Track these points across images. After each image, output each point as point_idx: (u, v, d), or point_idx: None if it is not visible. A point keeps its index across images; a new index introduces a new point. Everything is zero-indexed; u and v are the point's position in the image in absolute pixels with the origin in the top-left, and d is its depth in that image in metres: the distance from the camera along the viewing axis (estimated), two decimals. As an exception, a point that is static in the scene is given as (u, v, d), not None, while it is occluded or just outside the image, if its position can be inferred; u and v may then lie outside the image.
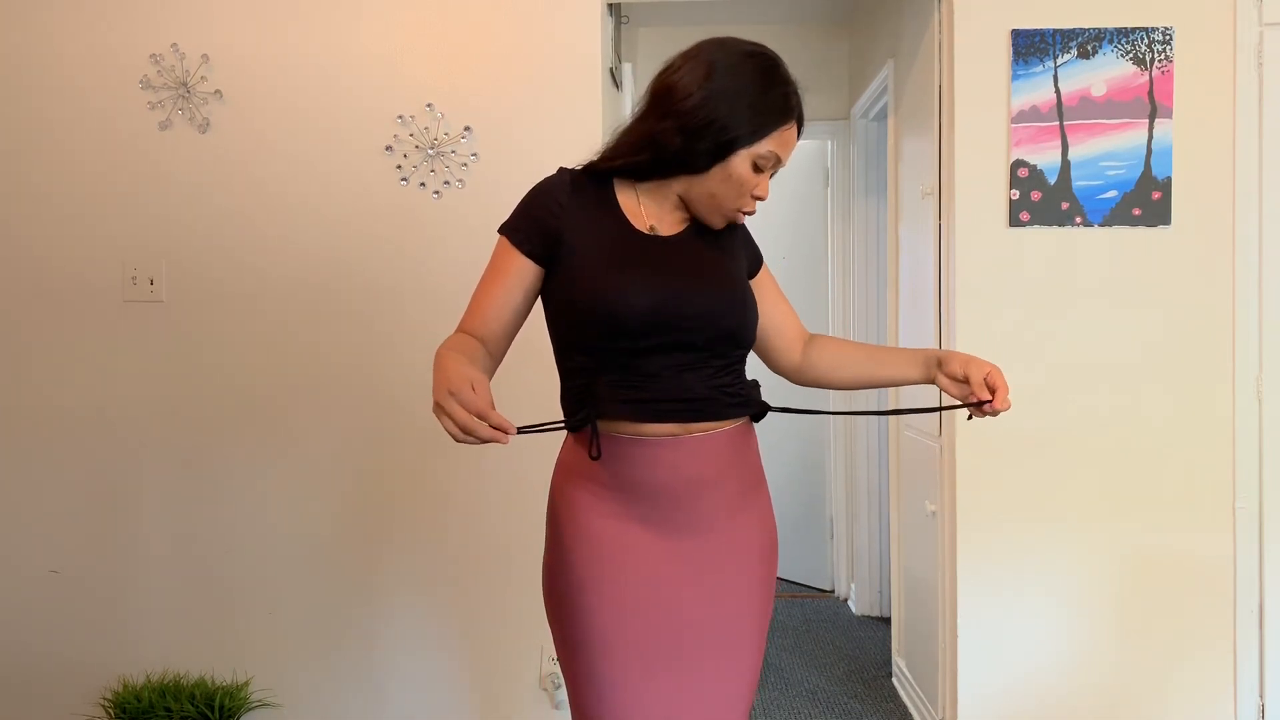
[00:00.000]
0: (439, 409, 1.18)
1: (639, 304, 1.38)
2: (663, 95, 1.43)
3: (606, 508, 1.44)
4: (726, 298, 1.46)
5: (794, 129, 1.46)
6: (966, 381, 1.43)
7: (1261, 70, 2.59)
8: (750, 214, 1.48)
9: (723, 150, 1.40)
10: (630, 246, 1.45)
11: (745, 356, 1.54)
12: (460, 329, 1.47)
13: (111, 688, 2.68)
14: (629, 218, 1.48)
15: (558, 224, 1.44)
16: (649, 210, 1.50)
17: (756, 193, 1.45)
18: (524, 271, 1.46)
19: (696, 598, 1.44)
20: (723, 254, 1.52)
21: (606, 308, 1.39)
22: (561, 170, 1.52)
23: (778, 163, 1.45)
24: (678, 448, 1.43)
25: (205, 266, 2.69)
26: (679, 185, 1.47)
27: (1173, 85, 2.59)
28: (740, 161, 1.41)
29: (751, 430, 1.55)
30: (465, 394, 1.16)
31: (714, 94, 1.39)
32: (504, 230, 1.49)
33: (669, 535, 1.44)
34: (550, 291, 1.47)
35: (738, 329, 1.47)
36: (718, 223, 1.48)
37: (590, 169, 1.50)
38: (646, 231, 1.48)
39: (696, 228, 1.52)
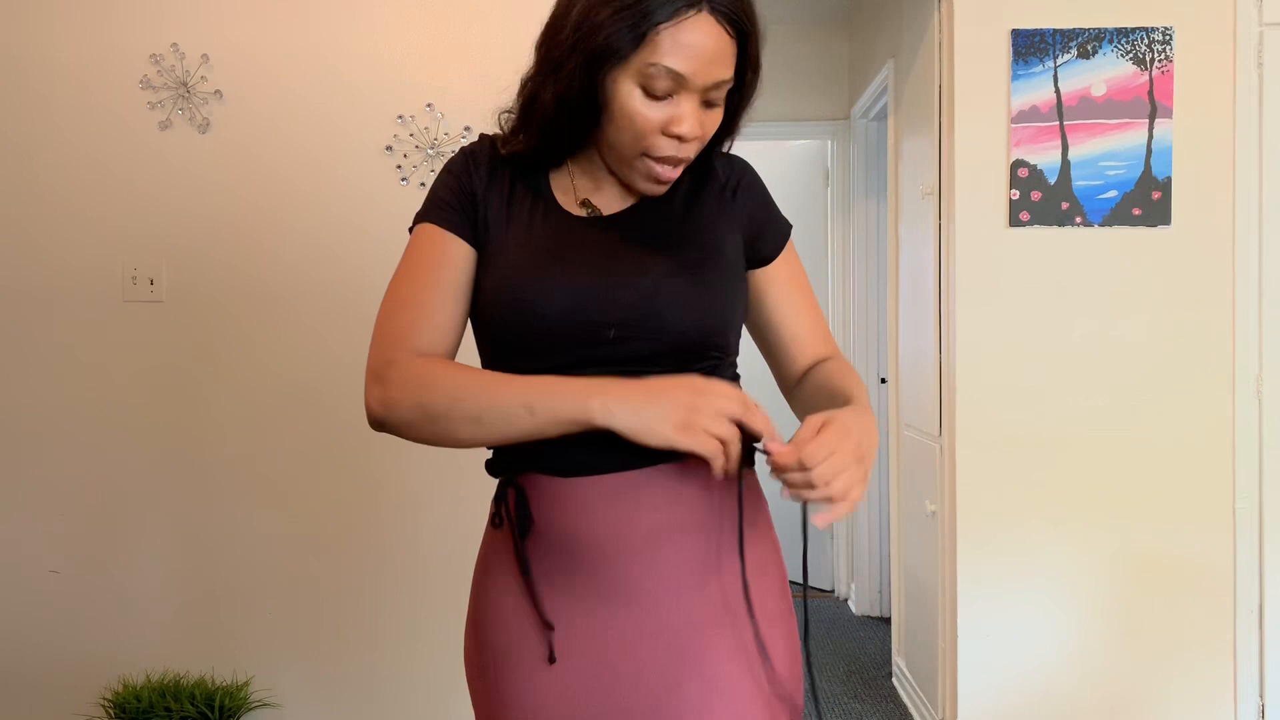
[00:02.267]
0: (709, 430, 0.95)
1: (546, 309, 1.04)
2: (536, 47, 1.10)
3: (536, 569, 1.09)
4: (674, 291, 1.06)
5: (705, 24, 0.99)
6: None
7: (1261, 70, 2.59)
8: (674, 163, 1.07)
9: (594, 74, 1.02)
10: (549, 234, 1.10)
11: (722, 367, 1.13)
12: (406, 347, 1.07)
13: (111, 688, 2.67)
14: (557, 196, 1.13)
15: (474, 193, 1.13)
16: (584, 184, 1.14)
17: (672, 129, 1.03)
18: (462, 261, 1.11)
19: (643, 698, 1.04)
20: (690, 232, 1.12)
21: (506, 318, 1.07)
22: (483, 136, 1.18)
23: (683, 82, 1.01)
24: (597, 488, 1.05)
25: (205, 266, 2.69)
26: (600, 154, 1.12)
27: (1173, 85, 2.59)
28: (622, 87, 1.02)
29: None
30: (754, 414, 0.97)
31: (577, 6, 1.04)
32: (423, 217, 1.13)
33: (601, 607, 1.06)
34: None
35: (691, 332, 1.07)
36: (644, 185, 1.09)
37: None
38: (578, 211, 1.13)
39: (658, 199, 1.14)
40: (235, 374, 2.69)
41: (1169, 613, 2.63)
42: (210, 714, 2.55)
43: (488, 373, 1.05)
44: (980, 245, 2.64)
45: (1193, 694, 2.63)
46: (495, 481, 1.17)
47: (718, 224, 1.14)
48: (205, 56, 2.67)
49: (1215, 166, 2.60)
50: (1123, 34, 2.59)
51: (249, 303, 2.69)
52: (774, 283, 1.20)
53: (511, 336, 1.07)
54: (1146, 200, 2.59)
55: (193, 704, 2.55)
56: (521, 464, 1.09)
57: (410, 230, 1.15)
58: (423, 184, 2.65)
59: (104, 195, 2.69)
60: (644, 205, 1.14)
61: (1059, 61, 2.60)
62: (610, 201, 1.14)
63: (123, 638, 2.71)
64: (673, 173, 1.08)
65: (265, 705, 2.69)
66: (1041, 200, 2.60)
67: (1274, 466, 2.61)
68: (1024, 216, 2.61)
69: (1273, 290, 2.61)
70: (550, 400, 0.99)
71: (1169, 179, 2.59)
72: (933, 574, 2.89)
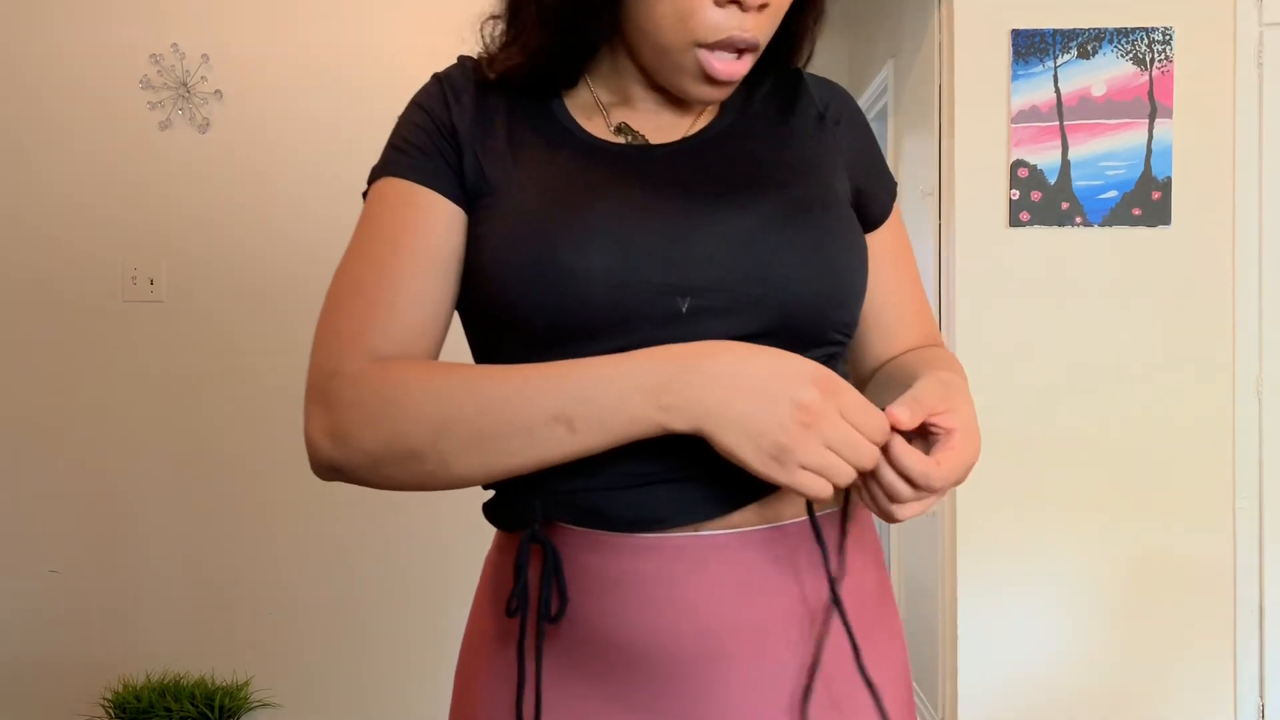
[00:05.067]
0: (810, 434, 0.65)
1: (585, 271, 0.72)
2: None
3: (552, 684, 0.77)
4: (785, 241, 0.75)
5: None
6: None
7: (1261, 70, 2.59)
8: (733, 48, 0.75)
9: None
10: (579, 171, 0.78)
11: (842, 357, 0.82)
12: (360, 350, 0.75)
13: (111, 688, 2.67)
14: (580, 122, 0.82)
15: (454, 130, 0.82)
16: (619, 108, 0.83)
17: None
18: (443, 225, 0.79)
19: None
20: (790, 164, 0.80)
21: (521, 291, 0.73)
22: (462, 58, 0.87)
23: None
24: (678, 559, 0.73)
25: (205, 266, 2.69)
26: (629, 55, 0.80)
27: (1173, 85, 2.59)
28: None
29: (863, 524, 0.83)
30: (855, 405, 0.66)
31: None
32: (380, 171, 0.85)
33: None
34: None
35: (811, 300, 0.75)
36: (695, 88, 0.77)
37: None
38: (611, 139, 0.81)
39: (732, 124, 0.82)
40: (235, 374, 2.69)
41: (1169, 613, 2.63)
42: (210, 714, 2.55)
43: (489, 371, 0.71)
44: (980, 245, 2.64)
45: (1193, 694, 2.63)
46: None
47: (822, 158, 0.82)
48: (205, 56, 2.67)
49: (1215, 166, 2.60)
50: (1123, 34, 2.59)
51: (249, 303, 2.69)
52: (877, 256, 0.86)
53: (530, 318, 0.73)
54: (1146, 200, 2.59)
55: (193, 704, 2.55)
56: (543, 506, 0.76)
57: (364, 195, 0.85)
58: (423, 184, 2.65)
59: (104, 195, 2.69)
60: (709, 132, 0.81)
61: (1059, 61, 2.60)
62: (652, 125, 0.82)
63: (123, 638, 2.71)
64: (733, 65, 0.75)
65: (265, 705, 2.69)
66: (1041, 200, 2.60)
67: (1274, 466, 2.61)
68: (1024, 216, 2.61)
69: (1273, 290, 2.61)
70: (597, 405, 0.67)
71: (1169, 179, 2.59)
72: (933, 574, 2.89)
